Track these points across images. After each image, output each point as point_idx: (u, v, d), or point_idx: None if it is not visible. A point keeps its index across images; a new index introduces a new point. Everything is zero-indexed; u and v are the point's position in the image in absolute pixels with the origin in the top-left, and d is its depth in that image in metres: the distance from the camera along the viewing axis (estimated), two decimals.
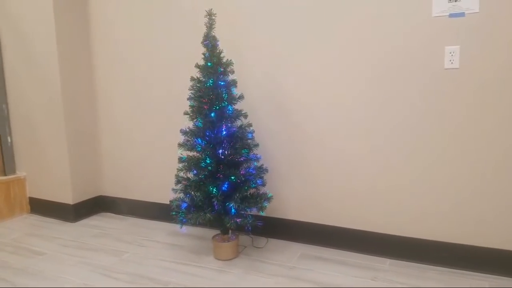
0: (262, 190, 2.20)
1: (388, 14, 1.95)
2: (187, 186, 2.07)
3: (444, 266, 1.98)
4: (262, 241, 2.38)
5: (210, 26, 2.07)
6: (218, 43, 2.09)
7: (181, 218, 2.04)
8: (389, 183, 2.08)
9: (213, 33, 2.07)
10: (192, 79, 2.10)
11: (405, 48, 1.94)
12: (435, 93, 1.90)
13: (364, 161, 2.12)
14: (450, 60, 1.82)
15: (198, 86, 2.09)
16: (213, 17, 2.07)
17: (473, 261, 1.92)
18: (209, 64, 2.06)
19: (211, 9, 2.08)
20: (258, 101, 2.37)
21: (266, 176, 2.25)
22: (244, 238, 2.39)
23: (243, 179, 2.07)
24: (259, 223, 2.09)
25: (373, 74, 2.04)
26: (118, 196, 2.98)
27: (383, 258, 2.11)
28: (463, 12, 1.78)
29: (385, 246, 2.11)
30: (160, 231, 2.61)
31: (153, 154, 2.78)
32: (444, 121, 1.90)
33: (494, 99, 1.79)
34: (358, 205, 2.17)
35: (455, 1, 1.79)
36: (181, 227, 2.08)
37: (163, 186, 2.71)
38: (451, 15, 1.81)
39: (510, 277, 1.84)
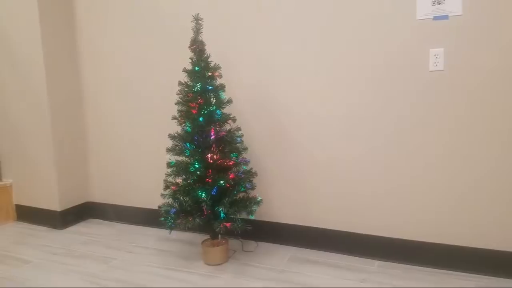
0: (252, 193, 2.19)
1: (372, 17, 1.98)
2: (176, 191, 2.05)
3: (432, 266, 2.00)
4: (252, 245, 2.37)
5: (197, 30, 2.07)
6: (206, 47, 2.09)
7: (170, 223, 2.02)
8: (377, 186, 2.09)
9: (200, 38, 2.07)
10: (180, 83, 2.10)
11: (390, 51, 1.96)
12: (420, 95, 1.92)
13: (352, 164, 2.14)
14: (435, 63, 1.84)
15: (186, 91, 2.08)
16: (200, 22, 2.07)
17: (460, 261, 1.94)
18: (196, 68, 2.06)
19: (198, 14, 2.07)
20: (246, 105, 2.37)
21: (255, 180, 2.25)
22: (234, 242, 2.38)
23: (232, 183, 2.07)
24: (248, 227, 2.08)
25: (358, 78, 2.05)
26: (106, 202, 2.94)
27: (372, 260, 2.12)
28: (447, 15, 1.81)
29: (374, 248, 2.12)
30: (149, 237, 2.58)
31: (141, 159, 2.76)
32: (429, 123, 1.92)
33: (478, 100, 1.82)
34: (347, 207, 2.18)
35: (439, 4, 1.82)
36: (170, 233, 2.06)
37: (151, 192, 2.69)
38: (435, 18, 1.83)
39: (497, 277, 1.87)
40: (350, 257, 2.17)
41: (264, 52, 2.27)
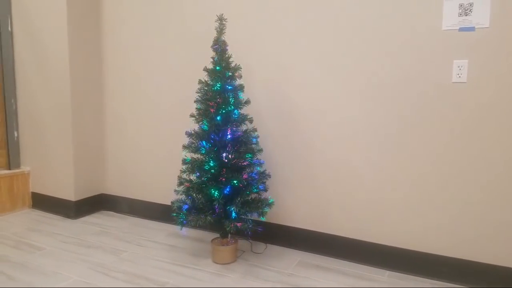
0: (264, 195, 2.19)
1: (398, 26, 1.96)
2: (189, 188, 2.07)
3: (442, 280, 1.96)
4: (261, 246, 2.37)
5: (220, 30, 2.09)
6: (228, 47, 2.11)
7: (181, 219, 2.04)
8: (392, 195, 2.06)
9: (223, 38, 2.09)
10: (200, 82, 2.12)
11: (414, 61, 1.94)
12: (442, 106, 1.90)
13: (368, 172, 2.11)
14: (458, 74, 1.82)
15: (205, 89, 2.10)
16: (224, 22, 2.09)
17: (472, 276, 1.90)
18: (217, 68, 2.08)
19: (222, 14, 2.10)
20: (264, 107, 2.37)
21: (268, 182, 2.25)
22: (243, 243, 2.38)
23: (245, 183, 2.07)
24: (259, 229, 2.09)
25: (381, 86, 2.04)
26: (120, 195, 2.99)
27: (382, 270, 2.09)
28: (473, 27, 1.79)
29: (385, 258, 2.09)
30: (160, 232, 2.61)
31: (157, 155, 2.79)
32: (450, 134, 1.89)
33: (500, 114, 1.78)
34: (359, 215, 2.16)
35: (465, 16, 1.80)
36: (181, 229, 2.08)
37: (165, 187, 2.72)
38: (461, 29, 1.81)
39: None
40: (360, 265, 2.14)
41: (283, 56, 2.28)
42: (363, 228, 2.15)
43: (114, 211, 3.01)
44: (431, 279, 1.98)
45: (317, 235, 2.28)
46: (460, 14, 1.80)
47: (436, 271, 1.98)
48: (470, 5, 1.78)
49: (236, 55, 2.39)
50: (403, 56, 1.96)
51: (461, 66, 1.81)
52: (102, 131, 3.01)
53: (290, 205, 2.35)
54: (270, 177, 2.22)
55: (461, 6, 1.80)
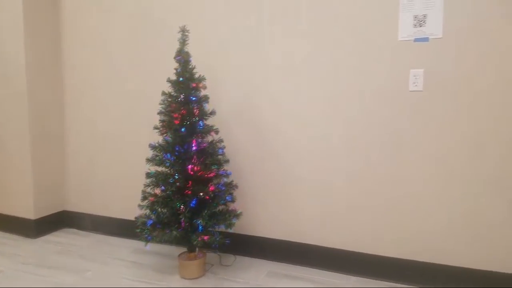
0: (231, 206, 2.17)
1: (356, 38, 2.01)
2: (154, 202, 2.01)
3: (408, 284, 2.00)
4: (230, 258, 2.34)
5: (183, 42, 2.07)
6: (191, 59, 2.09)
7: (146, 235, 1.98)
8: (358, 203, 2.10)
9: (186, 49, 2.08)
10: (163, 93, 2.08)
11: (372, 71, 1.99)
12: (400, 114, 1.96)
13: (335, 181, 2.14)
14: (414, 83, 1.88)
15: (169, 101, 2.07)
16: (187, 33, 2.07)
17: (436, 278, 1.95)
18: (181, 79, 2.05)
19: (185, 26, 2.08)
20: (230, 117, 2.36)
21: (236, 192, 2.23)
22: (212, 256, 2.34)
23: (212, 195, 2.04)
24: (227, 241, 2.05)
25: (341, 96, 2.08)
26: (83, 212, 2.87)
27: (349, 276, 2.11)
28: (427, 37, 1.86)
29: (352, 264, 2.12)
30: (125, 249, 2.52)
31: (121, 169, 2.71)
32: (408, 141, 1.95)
33: (454, 120, 1.86)
34: (327, 223, 2.18)
35: (420, 26, 1.87)
36: (146, 245, 2.01)
37: (129, 202, 2.64)
38: (416, 40, 1.88)
39: None
40: (328, 272, 2.15)
41: (251, 67, 2.28)
42: (332, 236, 2.17)
43: (77, 229, 2.88)
44: (397, 283, 2.01)
45: (287, 244, 2.27)
46: (415, 25, 1.87)
47: (401, 275, 2.01)
48: (424, 16, 1.86)
49: (203, 65, 2.37)
50: (363, 66, 2.01)
51: (417, 75, 1.88)
52: (63, 145, 2.89)
53: (258, 215, 2.34)
54: (237, 188, 2.20)
55: (415, 17, 1.87)
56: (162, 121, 2.07)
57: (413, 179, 1.96)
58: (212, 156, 2.09)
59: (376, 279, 2.06)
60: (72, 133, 2.86)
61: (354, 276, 2.11)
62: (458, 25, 1.81)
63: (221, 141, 2.15)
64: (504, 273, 1.83)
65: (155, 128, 2.08)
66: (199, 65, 2.32)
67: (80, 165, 2.86)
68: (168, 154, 2.02)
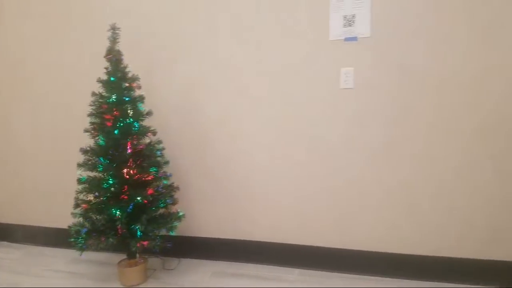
0: (173, 209, 2.12)
1: (289, 37, 2.04)
2: (88, 209, 1.91)
3: (350, 273, 2.08)
4: (174, 262, 2.29)
5: (114, 40, 1.97)
6: (123, 57, 2.00)
7: (80, 244, 1.87)
8: (294, 197, 2.14)
9: (117, 47, 1.98)
10: (94, 94, 1.97)
11: (305, 70, 2.04)
12: (332, 111, 2.02)
13: (274, 176, 2.17)
14: (345, 81, 1.95)
15: (100, 102, 1.97)
16: (117, 31, 1.98)
17: (376, 266, 2.05)
18: (112, 79, 1.96)
19: (115, 23, 1.98)
20: (170, 117, 2.30)
21: (177, 194, 2.18)
22: (155, 261, 2.27)
23: (151, 199, 1.98)
24: (168, 244, 2.01)
25: (275, 94, 2.10)
26: (13, 223, 2.66)
27: (292, 269, 2.16)
28: (356, 37, 1.93)
29: (295, 257, 2.17)
30: (60, 259, 2.38)
31: (51, 176, 2.55)
32: (339, 137, 2.03)
33: (382, 115, 1.96)
34: (269, 217, 2.20)
35: (350, 26, 1.94)
36: (80, 254, 1.91)
37: (62, 210, 2.47)
38: (346, 39, 1.95)
39: (400, 278, 2.00)
40: (272, 267, 2.19)
41: (190, 64, 2.24)
42: (272, 230, 2.20)
43: (8, 241, 2.67)
44: (340, 272, 2.09)
45: (231, 243, 2.27)
46: (345, 25, 1.94)
47: (344, 265, 2.10)
48: (353, 16, 1.93)
49: (141, 64, 2.28)
50: (296, 65, 2.05)
51: (348, 73, 1.95)
52: None
53: (201, 216, 2.32)
54: (178, 190, 2.15)
55: (345, 17, 1.94)
56: (93, 123, 1.96)
57: (347, 174, 2.05)
58: (149, 158, 2.02)
59: (320, 270, 2.12)
60: None
61: (297, 268, 2.16)
62: (385, 24, 1.90)
63: (159, 142, 2.09)
64: None
65: (86, 131, 1.97)
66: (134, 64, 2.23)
67: (7, 175, 2.64)
68: (101, 158, 1.93)
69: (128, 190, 1.92)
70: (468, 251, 1.92)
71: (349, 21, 1.93)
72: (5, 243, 2.66)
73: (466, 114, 1.86)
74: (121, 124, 1.94)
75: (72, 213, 1.94)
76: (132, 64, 2.12)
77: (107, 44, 1.97)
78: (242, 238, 2.26)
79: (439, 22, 1.84)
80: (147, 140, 2.06)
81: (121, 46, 2.00)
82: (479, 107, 1.84)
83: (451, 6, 1.82)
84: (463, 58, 1.83)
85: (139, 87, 2.04)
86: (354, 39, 1.93)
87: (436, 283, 1.95)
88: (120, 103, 1.95)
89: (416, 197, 1.96)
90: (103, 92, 1.97)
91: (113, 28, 1.98)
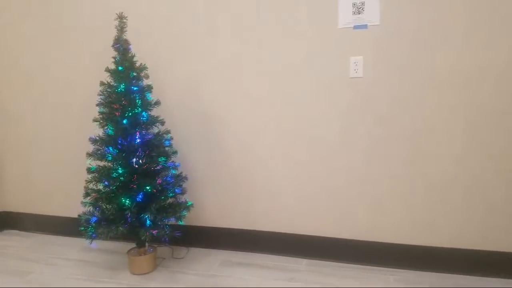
0: (181, 198, 2.13)
1: (297, 26, 2.02)
2: (97, 198, 1.93)
3: (359, 263, 2.09)
4: (182, 251, 2.31)
5: (121, 29, 1.96)
6: (130, 46, 1.99)
7: (90, 233, 1.89)
8: (306, 187, 2.14)
9: (124, 37, 1.97)
10: (102, 83, 1.98)
11: (314, 58, 2.02)
12: (341, 100, 2.01)
13: (281, 169, 2.17)
14: (355, 70, 1.93)
15: (108, 91, 1.97)
16: (124, 20, 1.97)
17: (381, 256, 2.06)
18: (120, 68, 1.95)
19: (122, 12, 1.97)
20: (177, 107, 2.30)
21: (186, 184, 2.20)
22: (164, 249, 2.30)
23: (160, 188, 1.99)
24: (177, 233, 2.02)
25: (285, 84, 2.09)
26: (24, 211, 2.70)
27: (300, 259, 2.17)
28: (366, 24, 1.90)
29: (302, 247, 2.18)
30: (71, 248, 2.41)
31: (62, 165, 2.57)
32: (348, 127, 2.01)
33: (391, 106, 1.94)
34: (278, 208, 2.21)
35: (359, 14, 1.91)
36: (90, 243, 1.93)
37: (73, 199, 2.51)
38: (355, 27, 1.92)
39: (416, 270, 2.00)
40: (281, 257, 2.20)
41: (201, 54, 2.23)
42: (282, 220, 2.21)
43: (19, 230, 2.71)
44: (348, 263, 2.10)
45: (239, 232, 2.29)
46: (354, 13, 1.91)
47: (350, 255, 2.10)
48: (362, 3, 1.90)
49: (147, 53, 2.27)
50: (308, 54, 2.03)
51: (357, 62, 1.93)
52: None
53: (210, 206, 2.33)
54: (187, 180, 2.16)
55: (354, 5, 1.91)
56: (102, 113, 1.97)
57: (355, 165, 2.04)
58: (158, 148, 2.03)
59: (328, 261, 2.13)
60: (7, 133, 2.65)
61: (306, 259, 2.17)
62: (395, 12, 1.87)
63: (167, 132, 2.09)
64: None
65: (95, 120, 1.98)
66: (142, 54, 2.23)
67: (18, 163, 2.66)
68: (110, 148, 1.94)
69: (137, 179, 1.93)
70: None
71: (358, 9, 1.90)
72: (15, 231, 2.70)
73: (482, 109, 1.83)
74: (130, 114, 1.95)
75: (81, 202, 1.96)
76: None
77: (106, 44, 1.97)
78: (250, 228, 2.27)
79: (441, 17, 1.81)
80: (155, 130, 2.07)
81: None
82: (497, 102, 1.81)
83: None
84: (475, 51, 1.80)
85: (147, 77, 2.03)
86: (364, 27, 1.90)
87: (417, 271, 1.95)
88: (128, 92, 1.95)
89: (414, 192, 1.95)
90: (111, 82, 1.97)
91: (120, 17, 1.96)
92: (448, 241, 1.95)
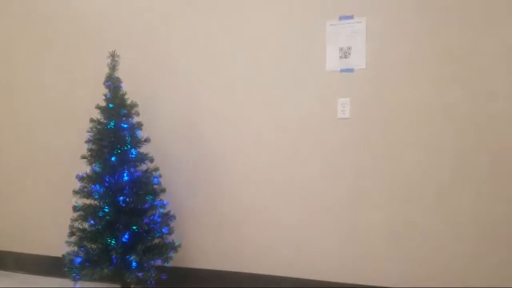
0: (169, 239, 2.09)
1: (286, 68, 2.08)
2: (82, 238, 1.88)
3: None
4: None
5: (113, 67, 2.00)
6: (122, 84, 2.02)
7: (74, 274, 1.83)
8: (294, 229, 2.12)
9: (116, 75, 2.00)
10: (92, 120, 1.98)
11: (303, 100, 2.06)
12: (329, 141, 2.04)
13: (277, 206, 2.15)
14: (342, 111, 1.98)
15: (98, 128, 1.97)
16: (116, 58, 2.01)
17: None
18: (110, 105, 1.97)
19: (114, 50, 2.02)
20: (168, 145, 2.30)
21: (174, 223, 2.16)
22: None
23: (146, 228, 1.95)
24: (163, 276, 1.96)
25: (274, 124, 2.12)
26: (5, 250, 2.60)
27: None
28: (352, 68, 1.97)
29: None
30: None
31: (46, 202, 2.52)
32: (336, 166, 2.03)
33: (377, 146, 1.97)
34: (272, 251, 2.17)
35: (345, 58, 1.98)
36: (74, 285, 1.86)
37: (56, 238, 2.42)
38: (342, 70, 1.99)
39: None
40: None
41: (189, 89, 2.26)
42: (278, 264, 2.16)
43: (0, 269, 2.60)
44: None
45: (229, 275, 2.22)
46: (341, 57, 1.98)
47: None
48: (349, 48, 1.97)
49: (139, 88, 2.30)
50: (294, 96, 2.08)
51: (344, 104, 1.98)
52: None
53: (199, 246, 2.27)
54: (175, 219, 2.12)
55: (341, 49, 1.98)
56: (90, 149, 1.96)
57: (337, 204, 2.04)
58: (146, 186, 2.01)
59: None
60: None
61: None
62: (379, 56, 1.94)
63: (156, 169, 2.08)
64: None
65: (83, 157, 1.97)
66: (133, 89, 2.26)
67: (1, 197, 2.60)
68: (97, 185, 1.91)
69: (124, 218, 1.90)
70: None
71: (345, 53, 1.98)
72: None
73: (471, 148, 1.88)
74: (119, 151, 1.94)
75: (66, 242, 1.91)
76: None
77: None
78: (241, 271, 2.20)
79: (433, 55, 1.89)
80: (144, 167, 2.06)
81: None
82: (481, 145, 1.86)
83: (446, 39, 1.87)
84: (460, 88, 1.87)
85: (138, 114, 2.05)
86: (350, 70, 1.96)
87: None
88: (118, 129, 1.96)
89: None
90: (101, 119, 1.98)
91: (113, 55, 2.01)
92: None
